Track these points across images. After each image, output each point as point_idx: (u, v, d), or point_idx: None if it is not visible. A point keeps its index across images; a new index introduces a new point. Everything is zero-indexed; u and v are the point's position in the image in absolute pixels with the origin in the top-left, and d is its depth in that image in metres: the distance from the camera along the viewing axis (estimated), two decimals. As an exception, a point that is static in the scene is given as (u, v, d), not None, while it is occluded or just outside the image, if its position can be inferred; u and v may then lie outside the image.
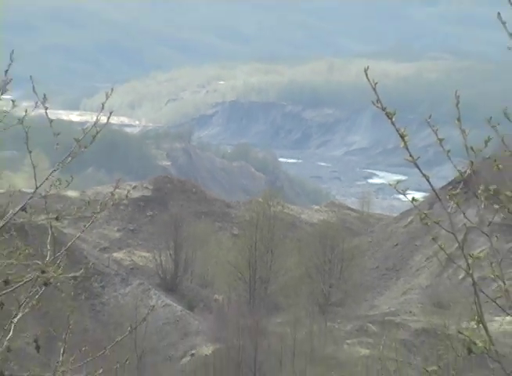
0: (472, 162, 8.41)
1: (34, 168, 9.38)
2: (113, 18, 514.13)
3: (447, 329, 50.23)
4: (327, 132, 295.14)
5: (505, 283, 8.51)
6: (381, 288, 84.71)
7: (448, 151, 8.18)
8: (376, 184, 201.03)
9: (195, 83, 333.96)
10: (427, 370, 8.99)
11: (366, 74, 7.71)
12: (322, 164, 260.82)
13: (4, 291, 9.12)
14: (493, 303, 8.48)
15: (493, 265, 8.55)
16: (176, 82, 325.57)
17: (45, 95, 9.20)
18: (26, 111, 9.20)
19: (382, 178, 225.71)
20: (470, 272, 8.45)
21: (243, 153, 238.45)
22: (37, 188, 9.55)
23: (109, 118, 9.18)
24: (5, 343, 8.76)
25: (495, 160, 8.58)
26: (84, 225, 9.48)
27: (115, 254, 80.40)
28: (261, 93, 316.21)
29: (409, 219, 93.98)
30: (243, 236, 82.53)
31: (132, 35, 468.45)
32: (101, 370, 9.93)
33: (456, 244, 8.31)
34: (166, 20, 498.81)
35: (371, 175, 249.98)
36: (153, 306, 63.04)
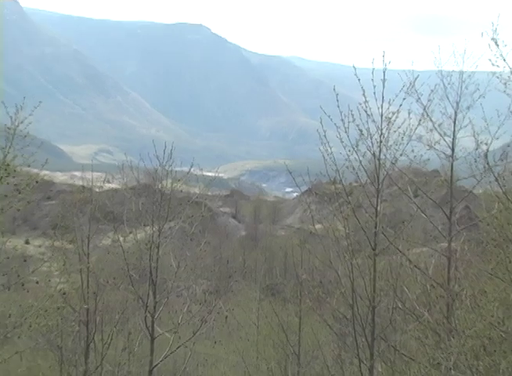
0: (312, 185, 12.88)
1: (199, 187, 12.85)
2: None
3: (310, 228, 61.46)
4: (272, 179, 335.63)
5: (321, 217, 12.92)
6: (286, 218, 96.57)
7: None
8: (288, 192, 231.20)
9: (239, 165, 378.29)
10: (300, 240, 12.87)
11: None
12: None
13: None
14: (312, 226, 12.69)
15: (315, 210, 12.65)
16: (232, 166, 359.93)
17: (202, 169, 12.75)
18: (197, 175, 13.03)
19: (290, 190, 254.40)
20: (311, 210, 11.42)
21: (252, 185, 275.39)
22: (199, 193, 12.72)
23: (217, 174, 12.88)
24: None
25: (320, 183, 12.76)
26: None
27: (220, 209, 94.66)
28: (255, 168, 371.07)
29: (294, 200, 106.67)
30: (253, 204, 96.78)
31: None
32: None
33: (308, 205, 12.71)
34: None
35: (285, 189, 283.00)
36: (230, 222, 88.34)
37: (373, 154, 10.74)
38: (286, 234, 75.51)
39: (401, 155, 10.96)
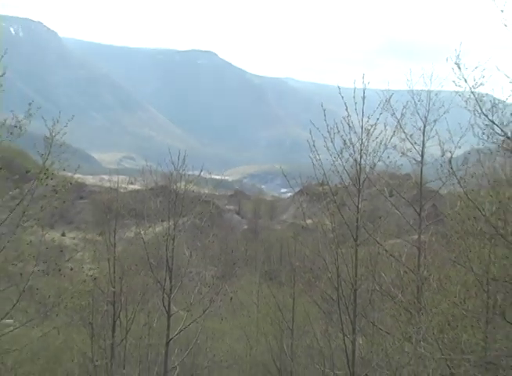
0: (303, 186, 12.72)
1: (208, 188, 13.56)
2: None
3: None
4: (270, 181, 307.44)
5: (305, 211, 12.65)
6: (282, 214, 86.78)
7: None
8: (283, 192, 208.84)
9: (242, 170, 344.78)
10: (294, 233, 12.78)
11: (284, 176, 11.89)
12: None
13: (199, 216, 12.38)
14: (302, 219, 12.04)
15: (306, 208, 12.81)
16: (236, 171, 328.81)
17: (210, 173, 13.03)
18: (206, 178, 13.40)
19: (285, 190, 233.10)
20: (303, 207, 12.00)
21: (253, 187, 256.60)
22: (208, 193, 13.61)
23: (223, 177, 13.04)
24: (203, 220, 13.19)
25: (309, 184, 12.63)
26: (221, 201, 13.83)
27: (226, 207, 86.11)
28: (256, 172, 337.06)
29: (288, 199, 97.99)
30: (254, 202, 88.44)
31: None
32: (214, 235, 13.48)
33: (300, 203, 12.60)
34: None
35: (281, 190, 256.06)
36: (234, 218, 77.28)
37: (355, 160, 10.73)
38: (282, 228, 71.73)
39: (378, 161, 11.01)
